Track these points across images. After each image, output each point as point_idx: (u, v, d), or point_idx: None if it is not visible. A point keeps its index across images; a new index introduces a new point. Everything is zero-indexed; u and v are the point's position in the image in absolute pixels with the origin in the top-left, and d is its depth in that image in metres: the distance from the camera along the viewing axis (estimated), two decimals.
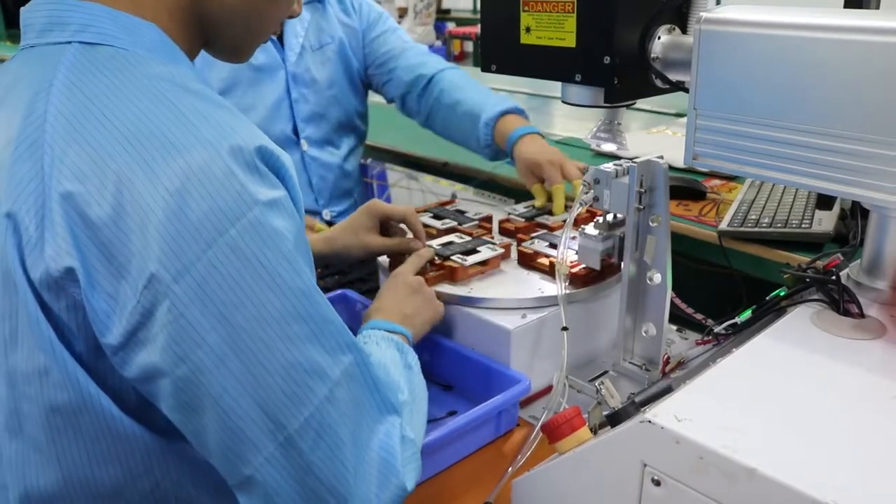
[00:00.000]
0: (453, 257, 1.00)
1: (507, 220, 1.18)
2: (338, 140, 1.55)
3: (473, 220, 1.17)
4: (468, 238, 1.08)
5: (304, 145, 1.48)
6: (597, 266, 0.97)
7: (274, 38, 1.42)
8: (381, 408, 0.62)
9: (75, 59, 0.58)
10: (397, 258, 1.04)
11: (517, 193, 1.60)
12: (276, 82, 1.43)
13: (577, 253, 0.96)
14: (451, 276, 0.99)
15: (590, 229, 0.93)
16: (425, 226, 1.15)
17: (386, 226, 1.06)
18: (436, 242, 1.06)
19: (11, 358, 0.57)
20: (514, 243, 1.09)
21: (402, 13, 6.90)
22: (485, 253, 1.02)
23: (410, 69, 1.50)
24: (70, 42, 0.59)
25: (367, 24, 1.55)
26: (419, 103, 1.51)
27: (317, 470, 0.56)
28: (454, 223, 1.15)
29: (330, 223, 1.52)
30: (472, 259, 1.00)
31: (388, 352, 0.76)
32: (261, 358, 0.54)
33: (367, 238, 1.03)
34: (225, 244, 0.53)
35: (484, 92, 1.43)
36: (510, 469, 0.78)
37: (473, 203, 1.32)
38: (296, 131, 1.47)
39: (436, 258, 1.01)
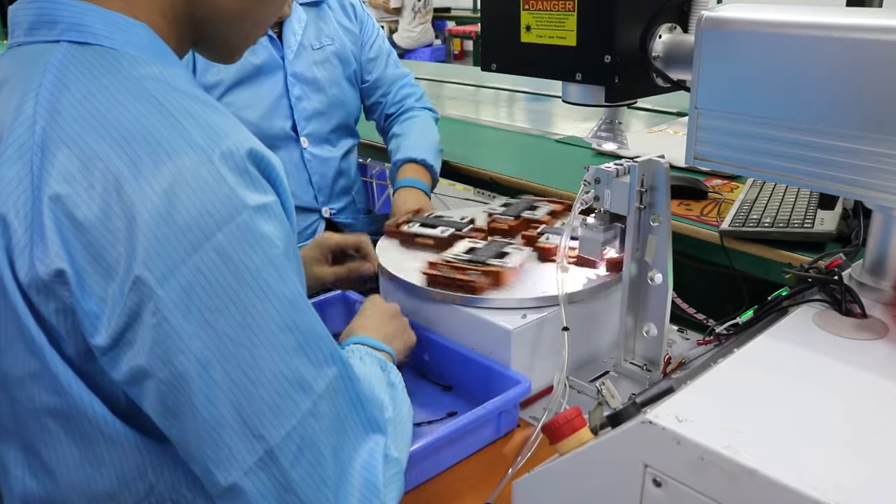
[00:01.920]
0: (489, 261, 0.99)
1: (493, 221, 1.17)
2: (336, 138, 1.57)
3: (463, 223, 1.15)
4: (483, 242, 1.07)
5: (305, 142, 1.50)
6: (597, 258, 0.96)
7: (274, 36, 1.44)
8: (366, 425, 0.61)
9: (65, 59, 0.57)
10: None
11: (517, 193, 1.60)
12: (274, 80, 1.45)
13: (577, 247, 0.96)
14: (497, 280, 0.97)
15: (591, 220, 0.93)
16: (422, 236, 1.14)
17: (341, 255, 1.07)
18: (460, 251, 1.04)
19: (2, 362, 0.56)
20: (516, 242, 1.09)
21: (396, 13, 6.90)
22: (515, 254, 1.01)
23: (397, 104, 1.65)
24: (59, 41, 0.58)
25: (365, 41, 1.61)
26: (385, 128, 1.67)
27: (296, 487, 0.55)
28: (452, 230, 1.13)
29: (329, 221, 1.53)
30: (510, 261, 0.99)
31: (372, 368, 0.74)
32: (244, 366, 0.53)
33: (316, 270, 1.05)
34: (212, 248, 0.52)
35: (418, 138, 1.56)
36: (510, 470, 0.78)
37: (444, 208, 1.32)
38: (295, 129, 1.48)
39: (475, 265, 0.99)
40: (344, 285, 1.10)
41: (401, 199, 1.41)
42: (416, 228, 1.15)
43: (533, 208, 1.19)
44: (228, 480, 0.54)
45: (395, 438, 0.65)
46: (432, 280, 0.99)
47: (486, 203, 1.23)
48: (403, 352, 0.90)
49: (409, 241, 1.14)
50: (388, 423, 0.65)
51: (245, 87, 1.41)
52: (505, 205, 1.22)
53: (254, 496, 0.54)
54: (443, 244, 1.10)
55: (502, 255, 1.01)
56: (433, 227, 1.15)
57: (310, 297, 1.21)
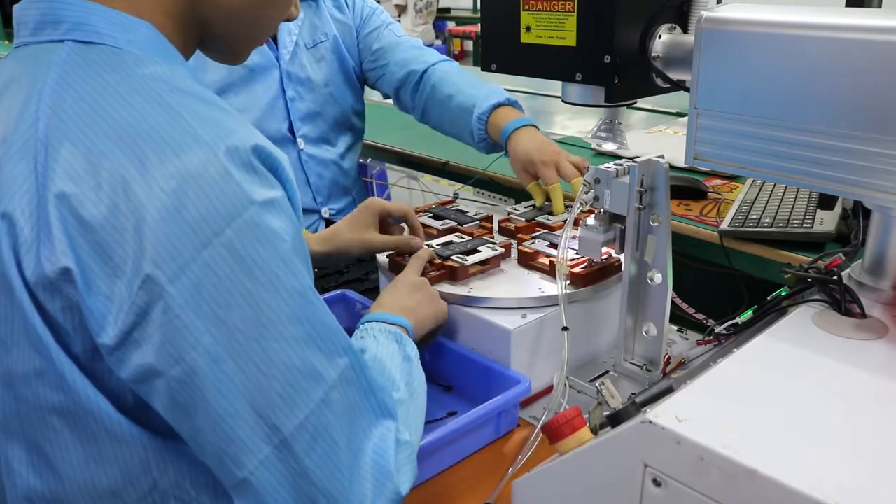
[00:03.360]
0: (453, 257, 1.00)
1: (507, 220, 1.18)
2: (334, 138, 1.55)
3: (474, 220, 1.17)
4: (468, 238, 1.08)
5: (301, 143, 1.48)
6: (597, 258, 0.96)
7: (268, 37, 1.42)
8: (377, 412, 0.62)
9: (69, 58, 0.57)
10: (396, 257, 1.04)
11: (517, 193, 1.60)
12: (269, 82, 1.43)
13: (577, 248, 0.96)
14: (452, 275, 0.99)
15: (590, 221, 0.93)
16: (425, 226, 1.15)
17: (385, 223, 1.06)
18: (436, 242, 1.06)
19: (8, 359, 0.57)
20: (514, 243, 1.09)
21: (401, 11, 6.91)
22: (485, 253, 1.01)
23: (403, 64, 1.50)
24: (63, 40, 0.59)
25: (361, 21, 1.56)
26: (413, 98, 1.51)
27: (311, 474, 0.56)
28: (454, 223, 1.15)
29: (329, 221, 1.52)
30: (472, 259, 1.00)
31: (386, 345, 0.75)
32: (256, 360, 0.54)
33: (367, 235, 1.03)
34: (221, 244, 0.52)
35: (475, 84, 1.41)
36: (510, 470, 0.78)
37: (473, 203, 1.31)
38: (292, 130, 1.47)
39: (436, 258, 1.01)
40: (390, 258, 1.05)
41: (525, 138, 1.25)
42: (424, 219, 1.16)
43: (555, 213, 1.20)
44: (244, 472, 0.55)
45: (406, 421, 0.65)
46: (393, 265, 1.03)
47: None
48: (430, 321, 0.90)
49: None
50: (400, 405, 0.66)
51: (240, 89, 1.40)
52: (533, 205, 1.23)
53: (270, 485, 0.55)
54: (439, 236, 1.11)
55: (471, 252, 1.02)
56: (442, 218, 1.16)
57: (358, 263, 1.20)
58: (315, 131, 1.50)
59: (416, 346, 0.77)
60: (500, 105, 1.33)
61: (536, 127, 1.30)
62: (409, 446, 0.64)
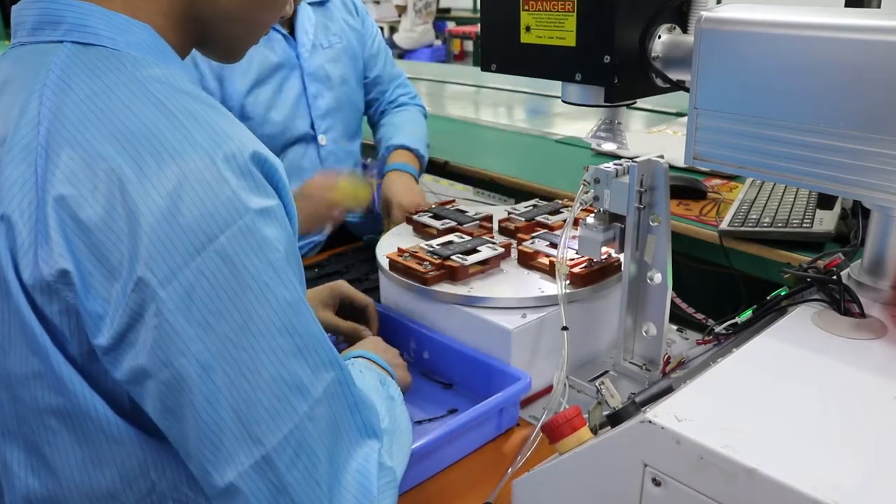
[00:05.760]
0: (453, 257, 1.00)
1: (507, 220, 1.18)
2: (349, 135, 1.61)
3: (474, 219, 1.17)
4: (468, 238, 1.08)
5: (323, 140, 1.54)
6: (597, 257, 0.96)
7: (288, 35, 1.46)
8: (361, 430, 0.61)
9: (68, 60, 0.57)
10: (397, 257, 1.04)
11: (517, 193, 1.61)
12: (293, 80, 1.48)
13: (577, 248, 0.96)
14: (452, 275, 0.99)
15: (590, 220, 0.93)
16: (425, 226, 1.16)
17: (347, 306, 1.05)
18: (436, 242, 1.06)
19: (6, 361, 0.56)
20: (514, 243, 1.09)
21: (401, 11, 6.91)
22: (485, 252, 1.02)
23: (390, 102, 1.69)
24: (62, 41, 0.58)
25: (366, 37, 1.63)
26: (376, 120, 1.70)
27: (291, 490, 0.55)
28: (454, 223, 1.15)
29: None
30: (472, 259, 1.00)
31: (371, 381, 0.74)
32: (244, 369, 0.53)
33: (322, 314, 1.02)
34: (214, 251, 0.52)
35: (410, 128, 1.61)
36: (510, 469, 0.78)
37: (473, 203, 1.32)
38: (313, 126, 1.52)
39: (434, 257, 1.01)
40: (337, 337, 1.07)
41: (390, 181, 1.46)
42: (424, 219, 1.16)
43: (556, 212, 1.19)
44: (225, 481, 0.54)
45: (390, 448, 0.65)
46: (393, 265, 1.03)
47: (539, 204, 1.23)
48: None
49: (421, 230, 1.17)
50: (385, 433, 0.65)
51: (267, 85, 1.44)
52: (533, 205, 1.23)
53: (249, 498, 0.54)
54: (439, 236, 1.11)
55: (471, 251, 1.02)
56: (441, 218, 1.16)
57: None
58: (334, 129, 1.56)
59: (399, 389, 0.76)
60: (401, 147, 1.55)
61: (414, 176, 1.52)
62: (392, 473, 0.63)
